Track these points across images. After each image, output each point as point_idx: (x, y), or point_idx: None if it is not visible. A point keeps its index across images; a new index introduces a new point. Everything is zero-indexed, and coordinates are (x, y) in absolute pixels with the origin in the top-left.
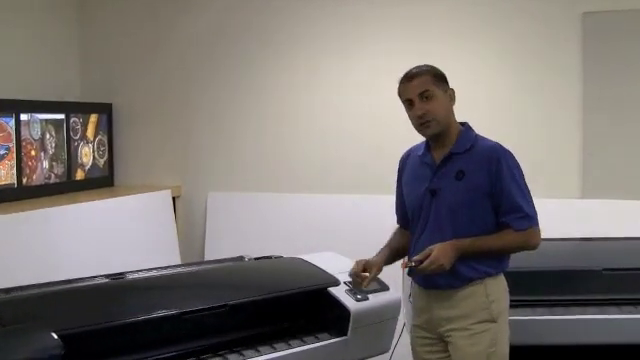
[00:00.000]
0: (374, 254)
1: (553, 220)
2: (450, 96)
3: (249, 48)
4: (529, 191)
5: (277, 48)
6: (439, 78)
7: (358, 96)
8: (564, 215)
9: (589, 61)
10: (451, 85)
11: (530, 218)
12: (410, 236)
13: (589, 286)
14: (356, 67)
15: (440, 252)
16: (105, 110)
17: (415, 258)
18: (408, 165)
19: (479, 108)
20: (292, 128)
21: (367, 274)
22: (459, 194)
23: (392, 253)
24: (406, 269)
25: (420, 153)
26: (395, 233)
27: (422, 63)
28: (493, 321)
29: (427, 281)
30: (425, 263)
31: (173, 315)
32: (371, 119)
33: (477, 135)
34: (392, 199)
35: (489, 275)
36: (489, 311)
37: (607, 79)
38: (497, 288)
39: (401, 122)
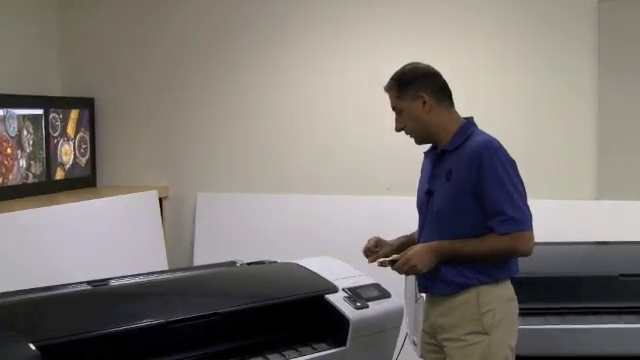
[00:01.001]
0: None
1: (567, 223)
2: (423, 101)
3: (239, 44)
4: (520, 191)
5: (267, 45)
6: (404, 88)
7: (351, 95)
8: (578, 218)
9: (605, 53)
10: (460, 82)
11: (515, 222)
12: None
13: (605, 293)
14: (348, 66)
15: (415, 254)
16: (87, 105)
17: (393, 257)
18: (425, 160)
19: (489, 105)
20: (286, 127)
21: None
22: (446, 195)
23: (409, 242)
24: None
25: (426, 150)
26: None
27: (420, 60)
28: (485, 333)
29: (420, 284)
30: (397, 263)
31: (160, 324)
32: (364, 119)
33: (475, 131)
34: (388, 200)
35: (483, 283)
36: (480, 322)
37: (624, 73)
38: (492, 298)
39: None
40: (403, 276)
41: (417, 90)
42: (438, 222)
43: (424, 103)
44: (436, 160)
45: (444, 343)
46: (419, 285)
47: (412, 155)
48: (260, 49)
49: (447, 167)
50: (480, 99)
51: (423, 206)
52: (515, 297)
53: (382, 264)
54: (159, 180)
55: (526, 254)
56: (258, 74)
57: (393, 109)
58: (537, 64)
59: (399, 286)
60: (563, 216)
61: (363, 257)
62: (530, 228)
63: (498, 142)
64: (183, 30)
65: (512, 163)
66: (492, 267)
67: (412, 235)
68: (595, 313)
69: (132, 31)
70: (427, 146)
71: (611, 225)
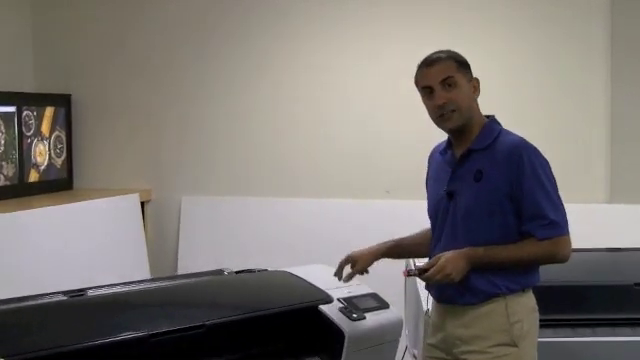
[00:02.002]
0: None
1: (577, 228)
2: (474, 86)
3: (225, 41)
4: (558, 194)
5: (257, 42)
6: (463, 65)
7: (342, 96)
8: (589, 222)
9: (617, 52)
10: None
11: (557, 226)
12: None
13: (618, 303)
14: (346, 66)
15: (448, 261)
16: (63, 103)
17: (420, 266)
18: (433, 163)
19: (495, 105)
20: (276, 128)
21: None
22: (476, 197)
23: (397, 248)
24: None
25: (441, 150)
26: (420, 232)
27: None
28: (514, 345)
29: (441, 295)
30: (430, 272)
31: (141, 337)
32: (357, 120)
33: (502, 130)
34: (382, 204)
35: (512, 291)
36: (509, 333)
37: (637, 72)
38: (521, 307)
39: (389, 123)
40: (402, 285)
41: (471, 74)
42: (465, 226)
43: (474, 89)
44: (459, 160)
45: (464, 356)
46: (438, 294)
47: (411, 157)
48: (250, 46)
49: (476, 167)
50: (487, 98)
51: (440, 210)
52: (537, 307)
53: (409, 274)
54: (141, 183)
55: (564, 260)
56: (247, 72)
57: (443, 81)
58: (546, 62)
59: (398, 296)
60: (573, 221)
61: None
62: (569, 233)
63: (530, 142)
64: (166, 26)
65: (547, 163)
66: (521, 275)
67: (401, 241)
68: (608, 325)
69: (112, 25)
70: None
71: (624, 230)
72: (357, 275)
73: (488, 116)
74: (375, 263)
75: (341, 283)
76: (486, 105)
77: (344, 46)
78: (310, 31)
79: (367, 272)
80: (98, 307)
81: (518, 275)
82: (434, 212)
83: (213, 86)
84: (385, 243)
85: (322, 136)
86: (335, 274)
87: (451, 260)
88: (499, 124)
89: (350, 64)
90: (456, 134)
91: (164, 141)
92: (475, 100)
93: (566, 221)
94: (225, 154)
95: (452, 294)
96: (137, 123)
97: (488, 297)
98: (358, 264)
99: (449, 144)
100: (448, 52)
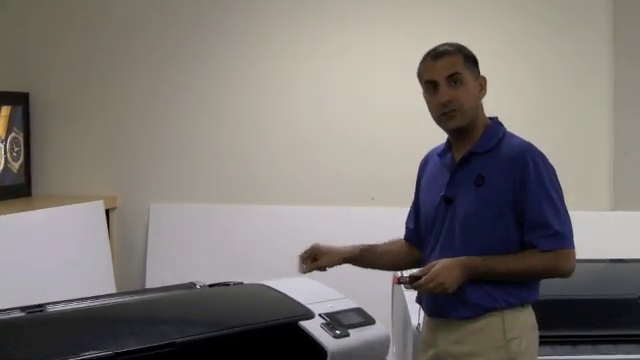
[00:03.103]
0: (348, 277)
1: (578, 236)
2: (481, 84)
3: (196, 36)
4: (564, 202)
5: (230, 43)
6: (472, 61)
7: (322, 100)
8: (591, 231)
9: (620, 48)
10: None
11: (561, 237)
12: (422, 254)
13: (623, 318)
14: (318, 69)
15: (443, 269)
16: (21, 101)
17: (413, 272)
18: (428, 168)
19: (491, 102)
20: (253, 131)
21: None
22: (476, 204)
23: (368, 254)
24: (401, 285)
25: (439, 152)
26: (393, 241)
27: (422, 46)
28: None
29: (433, 308)
30: (423, 279)
31: (106, 357)
32: (339, 124)
33: (506, 132)
34: (363, 212)
35: (510, 306)
36: (506, 350)
37: None
38: (520, 323)
39: (374, 127)
40: (389, 299)
41: (479, 71)
42: (463, 235)
43: (481, 88)
44: (459, 163)
45: None
46: (429, 307)
47: (398, 162)
48: (225, 46)
49: (477, 171)
50: (487, 100)
51: (437, 217)
52: (536, 325)
53: (400, 281)
54: (106, 189)
55: (567, 275)
56: (221, 73)
57: (450, 77)
58: (548, 66)
59: (385, 310)
60: (574, 229)
61: (343, 277)
62: (574, 245)
63: (536, 147)
64: (132, 20)
65: (554, 170)
66: (520, 288)
67: (373, 247)
68: (611, 342)
69: (75, 18)
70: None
71: (629, 239)
72: (316, 271)
73: (491, 118)
74: (361, 274)
75: (322, 297)
76: (486, 107)
77: (327, 49)
78: (289, 34)
79: (324, 270)
80: (59, 324)
81: (518, 288)
82: (430, 218)
83: (185, 86)
84: (356, 247)
85: (301, 141)
86: (300, 259)
87: (446, 268)
88: (503, 126)
89: (333, 67)
90: (457, 135)
91: (131, 144)
92: (480, 100)
93: (572, 233)
94: (197, 158)
95: (445, 307)
96: (102, 124)
97: (484, 311)
98: (322, 260)
99: (448, 146)
100: (457, 45)
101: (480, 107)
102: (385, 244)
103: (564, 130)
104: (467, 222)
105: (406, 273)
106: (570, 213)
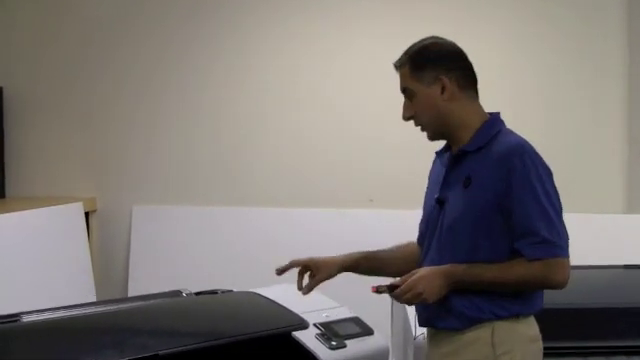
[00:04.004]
0: (345, 284)
1: (590, 242)
2: (443, 86)
3: (180, 31)
4: (557, 208)
5: (215, 37)
6: (420, 66)
7: (318, 96)
8: (603, 235)
9: (636, 48)
10: None
11: (550, 245)
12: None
13: (636, 328)
14: (313, 64)
15: (422, 278)
16: None
17: (393, 282)
18: (434, 167)
19: (500, 99)
20: (239, 129)
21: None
22: (462, 207)
23: (369, 261)
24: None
25: (439, 151)
26: (401, 245)
27: None
28: None
29: (423, 317)
30: (399, 289)
31: None
32: (337, 119)
33: (502, 129)
34: (360, 214)
35: (499, 318)
36: None
37: None
38: (512, 336)
39: (372, 126)
40: (388, 308)
41: (437, 72)
42: (450, 240)
43: (443, 89)
44: (451, 163)
45: None
46: (419, 317)
47: (397, 163)
48: (210, 41)
49: (466, 172)
50: (491, 91)
51: (431, 220)
52: (539, 337)
53: (378, 290)
54: (85, 190)
55: (559, 286)
56: (208, 67)
57: (403, 91)
58: (560, 65)
59: (384, 321)
60: (585, 233)
61: (340, 284)
62: (567, 254)
63: (531, 146)
64: (115, 16)
65: (549, 172)
66: (512, 299)
67: (375, 253)
68: (624, 353)
69: (53, 10)
70: (424, 151)
71: None
72: (317, 286)
73: (492, 113)
74: (358, 281)
75: (317, 306)
76: (485, 97)
77: (326, 49)
78: (282, 29)
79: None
80: (35, 335)
81: (509, 300)
82: (425, 221)
83: (169, 82)
84: (352, 254)
85: (293, 140)
86: (279, 271)
87: (425, 277)
88: (502, 123)
89: (331, 67)
90: (447, 139)
91: (112, 143)
92: (448, 101)
93: (564, 241)
94: (182, 158)
95: (433, 317)
96: (80, 121)
97: (471, 323)
98: (320, 273)
99: (448, 144)
100: (405, 56)
101: (453, 108)
102: (392, 250)
103: (577, 131)
104: (452, 226)
105: (386, 281)
106: (580, 216)
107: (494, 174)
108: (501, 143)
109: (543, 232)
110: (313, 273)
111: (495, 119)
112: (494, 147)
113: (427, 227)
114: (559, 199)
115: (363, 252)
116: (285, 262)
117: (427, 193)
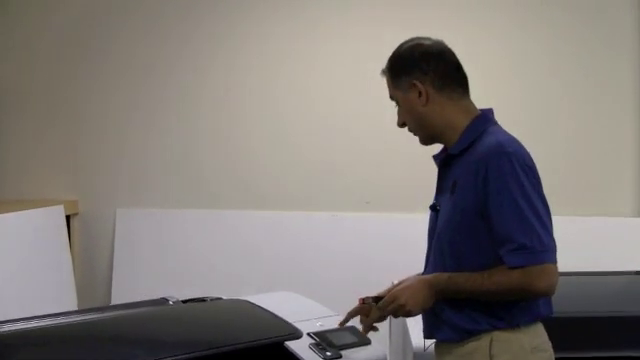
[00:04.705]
0: (340, 292)
1: (600, 246)
2: (419, 91)
3: (164, 31)
4: (538, 211)
5: (200, 34)
6: (396, 73)
7: (307, 95)
8: (615, 239)
9: None
10: (476, 72)
11: (529, 251)
12: None
13: None
14: (312, 65)
15: (406, 289)
16: None
17: (378, 293)
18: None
19: (506, 100)
20: (224, 130)
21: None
22: (449, 214)
23: None
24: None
25: (434, 155)
26: None
27: None
28: None
29: (424, 327)
30: (382, 301)
31: None
32: (329, 118)
33: (489, 128)
34: (356, 217)
35: (497, 328)
36: None
37: None
38: (510, 347)
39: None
40: (388, 318)
41: (411, 77)
42: (440, 248)
43: (420, 94)
44: (442, 168)
45: None
46: (423, 326)
47: (394, 164)
48: (195, 36)
49: (453, 176)
50: (497, 93)
51: (430, 228)
52: (546, 346)
53: (364, 302)
54: (66, 192)
55: (544, 294)
56: (192, 66)
57: (391, 99)
58: (568, 54)
59: (381, 329)
60: (596, 238)
61: (334, 291)
62: (551, 260)
63: (516, 143)
64: (94, 15)
65: (530, 172)
66: (510, 308)
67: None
68: None
69: (36, 8)
70: (422, 153)
71: None
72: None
73: (483, 110)
74: (354, 288)
75: (310, 314)
76: (490, 98)
77: (318, 51)
78: (270, 26)
79: (376, 329)
80: (13, 346)
81: (506, 308)
82: (428, 230)
83: (153, 80)
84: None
85: (282, 141)
86: (341, 324)
87: (409, 288)
88: (489, 120)
89: (324, 67)
90: (438, 141)
91: (95, 143)
92: (426, 105)
93: (547, 246)
94: (167, 160)
95: (432, 327)
96: (62, 122)
97: (468, 334)
98: (373, 313)
99: (444, 148)
100: (388, 60)
101: (431, 113)
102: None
103: (585, 130)
104: (441, 233)
105: (372, 294)
106: (590, 219)
107: (473, 178)
108: (482, 144)
109: (521, 238)
110: (367, 314)
111: (482, 117)
112: (476, 149)
113: (428, 236)
114: (544, 202)
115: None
116: (273, 268)
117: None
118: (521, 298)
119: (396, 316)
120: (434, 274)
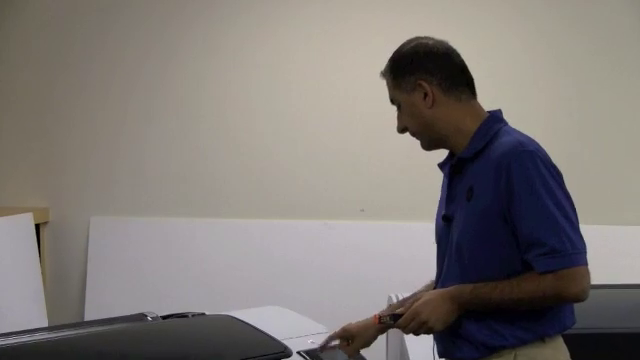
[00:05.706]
0: (332, 306)
1: (613, 258)
2: (425, 93)
3: (142, 30)
4: (567, 212)
5: (183, 32)
6: (399, 73)
7: (297, 103)
8: (629, 250)
9: None
10: (479, 72)
11: (560, 254)
12: None
13: None
14: (306, 69)
15: (426, 304)
16: None
17: (399, 310)
18: (443, 181)
19: (511, 102)
20: (204, 134)
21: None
22: (467, 222)
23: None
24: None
25: (440, 163)
26: (429, 283)
27: None
28: None
29: (439, 346)
30: (402, 319)
31: None
32: (324, 124)
33: (502, 129)
34: (336, 225)
35: (523, 342)
36: None
37: None
38: None
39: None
40: (383, 334)
41: (415, 76)
42: (459, 259)
43: (425, 95)
44: (452, 174)
45: None
46: (438, 346)
47: (390, 172)
48: (178, 35)
49: (468, 182)
50: (502, 93)
51: (442, 240)
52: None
53: (380, 321)
54: (36, 200)
55: (578, 299)
56: (170, 67)
57: (391, 102)
58: (575, 55)
59: (378, 348)
60: (607, 247)
61: (325, 306)
62: (583, 262)
63: (535, 142)
64: (72, 19)
65: (553, 170)
66: (535, 320)
67: (408, 300)
68: None
69: (14, 13)
70: (420, 159)
71: None
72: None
73: (490, 112)
74: (347, 302)
75: (300, 331)
76: (494, 100)
77: (314, 52)
78: (265, 27)
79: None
80: None
81: (532, 320)
82: (437, 241)
83: (128, 90)
84: (391, 307)
85: (271, 147)
86: (320, 348)
87: (430, 303)
88: (501, 121)
89: (320, 71)
90: (443, 146)
91: (67, 149)
92: (432, 107)
93: (579, 248)
94: (143, 166)
95: (450, 347)
96: (32, 123)
97: (491, 351)
98: (357, 340)
99: (450, 154)
100: (389, 60)
101: (438, 116)
102: (422, 291)
103: (595, 135)
104: (460, 243)
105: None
106: (601, 228)
107: (494, 181)
108: (499, 145)
109: (551, 241)
110: (348, 341)
111: (492, 118)
112: (493, 150)
113: (439, 247)
114: (571, 201)
115: (395, 304)
116: (260, 279)
117: (437, 211)
118: (552, 305)
119: (417, 334)
120: (455, 286)
